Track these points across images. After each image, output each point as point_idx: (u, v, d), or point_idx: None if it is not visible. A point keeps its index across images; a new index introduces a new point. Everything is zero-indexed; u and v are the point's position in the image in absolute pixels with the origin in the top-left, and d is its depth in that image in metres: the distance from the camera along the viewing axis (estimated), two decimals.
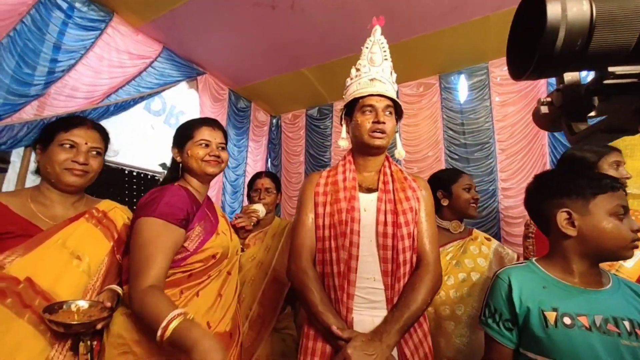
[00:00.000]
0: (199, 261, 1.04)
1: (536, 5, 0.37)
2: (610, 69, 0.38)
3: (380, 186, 1.09)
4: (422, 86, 3.93)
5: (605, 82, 0.39)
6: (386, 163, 1.14)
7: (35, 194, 1.01)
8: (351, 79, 1.17)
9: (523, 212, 2.94)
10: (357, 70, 1.15)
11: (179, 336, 0.78)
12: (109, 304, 0.93)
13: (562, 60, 0.37)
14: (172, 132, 1.21)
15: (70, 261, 0.95)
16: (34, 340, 0.85)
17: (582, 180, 0.87)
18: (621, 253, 0.83)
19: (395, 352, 0.94)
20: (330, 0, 2.68)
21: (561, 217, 0.87)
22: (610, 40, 0.36)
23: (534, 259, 0.95)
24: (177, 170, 1.18)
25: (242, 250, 1.42)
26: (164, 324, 0.78)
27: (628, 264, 1.12)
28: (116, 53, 2.83)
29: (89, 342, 0.88)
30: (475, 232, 1.52)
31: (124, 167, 3.32)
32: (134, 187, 3.40)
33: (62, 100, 2.53)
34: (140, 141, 3.37)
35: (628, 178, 1.24)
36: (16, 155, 2.48)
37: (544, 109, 0.53)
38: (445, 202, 1.49)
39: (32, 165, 1.04)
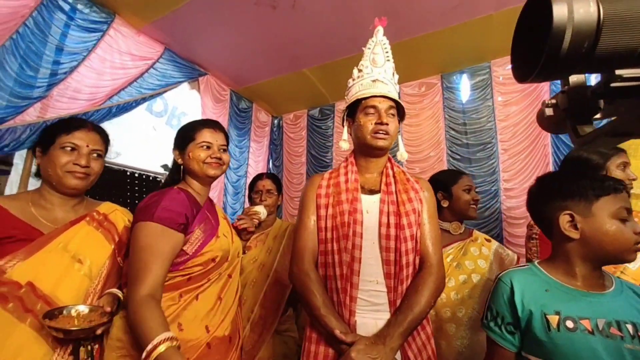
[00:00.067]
0: (198, 265, 1.04)
1: (542, 6, 0.36)
2: (618, 71, 0.37)
3: (382, 188, 1.08)
4: (423, 86, 3.91)
5: (612, 85, 0.38)
6: (388, 164, 1.14)
7: (36, 197, 1.00)
8: (353, 80, 1.16)
9: (525, 213, 2.92)
10: (360, 71, 1.14)
11: None
12: (108, 309, 0.93)
13: (568, 63, 0.37)
14: (174, 133, 1.20)
15: (72, 265, 0.95)
16: (35, 345, 0.85)
17: (585, 182, 0.86)
18: (624, 256, 0.82)
19: (398, 355, 0.94)
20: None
21: (564, 219, 0.86)
22: (618, 42, 0.35)
23: (536, 262, 0.94)
24: (178, 172, 1.18)
25: (244, 252, 1.42)
26: (149, 347, 0.80)
27: (633, 265, 1.11)
28: (118, 54, 2.84)
29: (89, 347, 0.88)
30: (476, 233, 1.51)
31: (126, 169, 3.32)
32: (136, 188, 3.41)
33: (64, 102, 2.54)
34: (142, 142, 3.38)
35: (634, 179, 1.22)
36: (19, 158, 2.49)
37: (549, 111, 0.53)
38: (445, 204, 1.48)
39: (35, 168, 1.04)
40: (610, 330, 0.76)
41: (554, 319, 0.80)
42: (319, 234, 1.07)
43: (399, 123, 1.12)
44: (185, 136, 1.15)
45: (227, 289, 1.12)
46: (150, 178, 3.53)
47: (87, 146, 1.01)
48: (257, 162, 4.63)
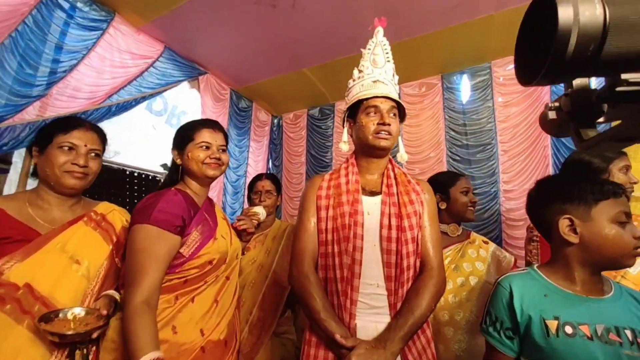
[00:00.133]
0: (195, 267, 1.03)
1: (547, 8, 0.35)
2: (623, 75, 0.36)
3: (384, 189, 1.07)
4: (424, 86, 3.91)
5: (618, 89, 0.37)
6: (389, 166, 1.13)
7: (33, 197, 0.99)
8: (354, 80, 1.15)
9: (525, 215, 2.92)
10: (360, 71, 1.13)
11: None
12: (105, 312, 0.91)
13: (573, 66, 0.36)
14: (174, 132, 1.19)
15: (70, 265, 0.94)
16: (33, 347, 0.84)
17: (584, 186, 0.85)
18: (623, 261, 0.81)
19: (399, 359, 0.93)
20: None
21: (563, 223, 0.85)
22: (624, 46, 0.34)
23: (535, 266, 0.94)
24: (177, 173, 1.17)
25: (243, 253, 1.41)
26: None
27: (634, 270, 1.11)
28: (118, 53, 2.83)
29: (85, 350, 0.87)
30: (473, 235, 1.50)
31: (125, 168, 3.31)
32: (135, 187, 3.40)
33: (64, 100, 2.53)
34: (142, 141, 3.37)
35: (635, 183, 1.22)
36: (18, 156, 2.49)
37: (552, 115, 0.52)
38: (443, 206, 1.48)
39: (32, 168, 1.03)
40: (609, 336, 0.76)
41: (552, 325, 0.79)
42: (319, 235, 1.06)
43: (399, 124, 1.12)
44: (184, 136, 1.14)
45: (224, 292, 1.11)
46: (150, 177, 3.53)
47: (85, 146, 1.01)
48: (256, 161, 4.63)
